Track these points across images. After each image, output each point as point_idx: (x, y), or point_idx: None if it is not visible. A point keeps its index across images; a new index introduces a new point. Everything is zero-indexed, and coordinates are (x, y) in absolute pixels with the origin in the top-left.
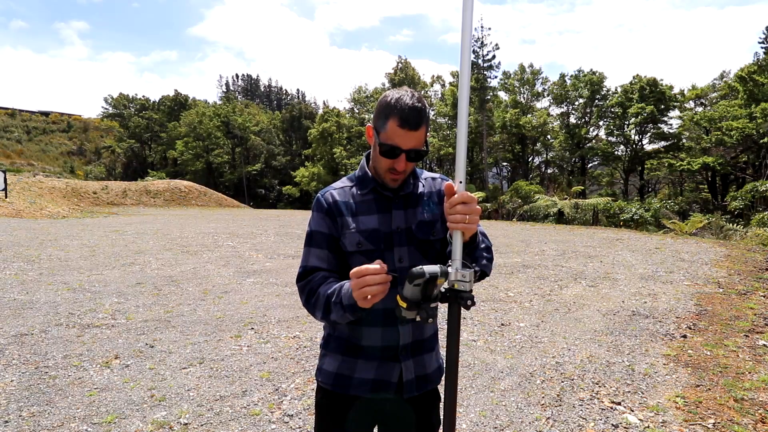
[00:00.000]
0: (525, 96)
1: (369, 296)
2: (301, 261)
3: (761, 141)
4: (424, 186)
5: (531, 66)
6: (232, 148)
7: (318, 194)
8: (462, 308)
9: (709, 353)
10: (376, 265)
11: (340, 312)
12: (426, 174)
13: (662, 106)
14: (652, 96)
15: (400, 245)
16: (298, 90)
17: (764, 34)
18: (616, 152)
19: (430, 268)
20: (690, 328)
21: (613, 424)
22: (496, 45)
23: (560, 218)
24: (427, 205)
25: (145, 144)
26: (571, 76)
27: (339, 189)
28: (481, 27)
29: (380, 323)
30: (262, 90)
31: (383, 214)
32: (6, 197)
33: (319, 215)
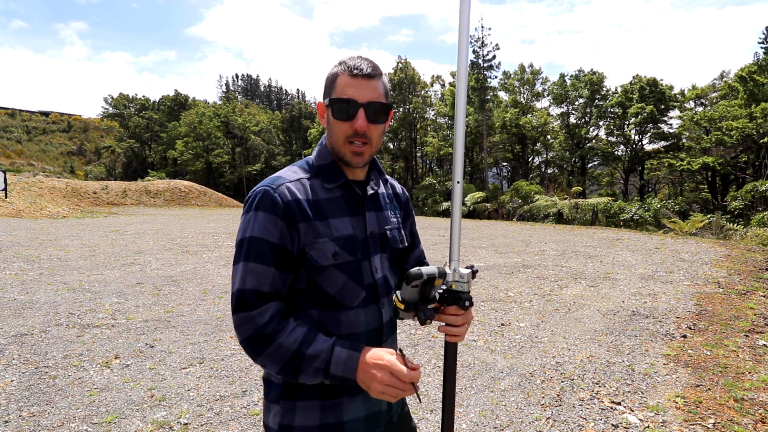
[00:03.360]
0: (525, 96)
1: (384, 394)
2: (235, 281)
3: (761, 141)
4: (383, 185)
5: (531, 66)
6: (232, 148)
7: (263, 186)
8: (460, 309)
9: (709, 353)
10: (413, 371)
11: (320, 377)
12: None
13: (662, 106)
14: (652, 96)
15: (375, 253)
16: (298, 90)
17: (764, 34)
18: (616, 152)
19: (427, 270)
20: (690, 328)
21: (613, 424)
22: (497, 45)
23: (560, 218)
24: (392, 209)
25: (145, 144)
26: (571, 76)
27: (295, 182)
28: (482, 27)
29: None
30: (262, 90)
31: (356, 216)
32: (6, 197)
33: (268, 217)
